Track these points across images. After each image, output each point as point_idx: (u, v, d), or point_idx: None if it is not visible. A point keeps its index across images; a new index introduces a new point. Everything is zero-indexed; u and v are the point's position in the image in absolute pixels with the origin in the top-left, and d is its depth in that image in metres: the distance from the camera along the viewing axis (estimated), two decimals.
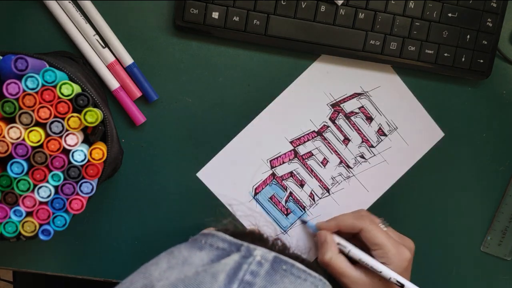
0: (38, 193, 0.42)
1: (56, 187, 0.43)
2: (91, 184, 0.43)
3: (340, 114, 0.59)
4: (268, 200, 0.59)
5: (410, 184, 0.62)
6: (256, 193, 0.58)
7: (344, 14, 0.56)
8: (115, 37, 0.53)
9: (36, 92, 0.40)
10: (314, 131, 0.59)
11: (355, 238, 0.56)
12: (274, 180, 0.59)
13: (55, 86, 0.41)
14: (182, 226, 0.58)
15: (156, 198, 0.57)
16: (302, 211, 0.60)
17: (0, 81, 0.40)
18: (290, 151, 0.59)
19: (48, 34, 0.53)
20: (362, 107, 0.60)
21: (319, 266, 0.38)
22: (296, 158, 0.59)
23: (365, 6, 0.56)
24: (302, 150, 0.59)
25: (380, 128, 0.60)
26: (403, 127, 0.61)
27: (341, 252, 0.55)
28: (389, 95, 0.60)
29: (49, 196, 0.43)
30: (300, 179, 0.59)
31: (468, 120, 0.62)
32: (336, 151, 0.60)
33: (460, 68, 0.59)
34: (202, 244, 0.36)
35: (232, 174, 0.58)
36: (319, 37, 0.56)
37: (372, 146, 0.61)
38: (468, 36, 0.59)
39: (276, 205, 0.59)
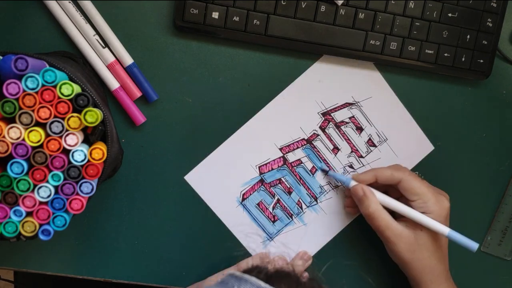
0: (38, 193, 0.42)
1: (56, 187, 0.43)
2: (91, 184, 0.43)
3: (331, 123, 0.59)
4: (256, 206, 0.59)
5: None
6: (243, 199, 0.58)
7: (344, 14, 0.56)
8: (115, 37, 0.53)
9: (36, 92, 0.40)
10: (303, 138, 0.59)
11: (387, 192, 0.56)
12: (262, 186, 0.59)
13: (55, 86, 0.41)
14: (182, 226, 0.58)
15: (156, 198, 0.57)
16: (289, 219, 0.59)
17: (0, 81, 0.40)
18: (279, 157, 0.59)
19: (48, 34, 0.53)
20: (353, 117, 0.60)
21: None
22: (285, 165, 0.59)
23: (365, 6, 0.56)
24: (291, 157, 0.59)
25: (370, 139, 0.60)
26: (393, 139, 0.61)
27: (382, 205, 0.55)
28: (380, 106, 0.60)
29: (49, 196, 0.43)
30: (288, 186, 0.59)
31: (468, 120, 0.62)
32: (325, 160, 0.60)
33: (460, 68, 0.59)
34: None
35: (220, 178, 0.58)
36: (319, 37, 0.56)
37: (361, 157, 0.60)
38: (468, 36, 0.59)
39: (264, 211, 0.59)
